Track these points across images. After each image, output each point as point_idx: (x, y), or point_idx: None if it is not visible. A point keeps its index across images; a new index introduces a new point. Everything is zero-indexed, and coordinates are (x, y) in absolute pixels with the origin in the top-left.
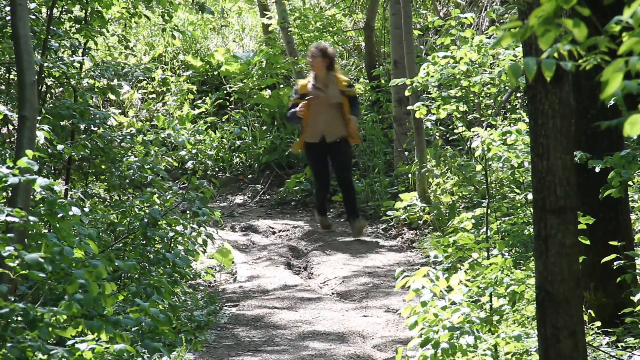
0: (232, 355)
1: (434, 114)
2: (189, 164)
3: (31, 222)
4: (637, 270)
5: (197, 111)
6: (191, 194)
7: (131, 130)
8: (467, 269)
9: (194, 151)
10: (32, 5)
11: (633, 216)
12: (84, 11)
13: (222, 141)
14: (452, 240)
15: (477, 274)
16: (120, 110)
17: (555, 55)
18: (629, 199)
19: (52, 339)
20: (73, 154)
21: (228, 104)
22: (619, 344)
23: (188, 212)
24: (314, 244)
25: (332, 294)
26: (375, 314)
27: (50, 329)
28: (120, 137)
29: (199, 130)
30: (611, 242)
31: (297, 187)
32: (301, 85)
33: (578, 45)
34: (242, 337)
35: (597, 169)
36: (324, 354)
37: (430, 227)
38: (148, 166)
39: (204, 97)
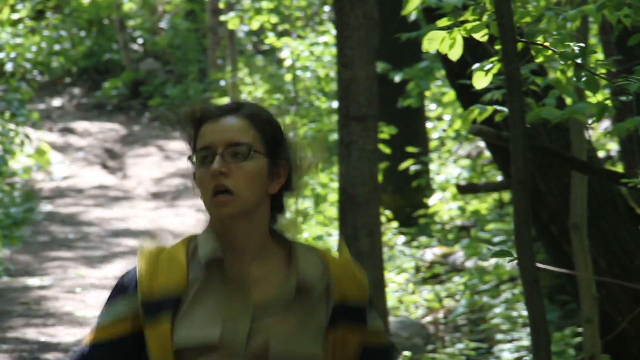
0: (47, 250)
1: (246, 25)
2: (8, 67)
3: None
4: (431, 175)
5: (16, 16)
6: (10, 95)
7: None
8: None
9: (13, 54)
10: None
11: (429, 125)
12: None
13: (41, 45)
14: None
15: None
16: None
17: None
18: (425, 109)
19: None
20: None
21: (47, 9)
22: (413, 243)
23: (6, 112)
24: (129, 146)
25: (146, 194)
26: (186, 213)
27: None
28: None
29: (18, 33)
30: (409, 149)
31: (114, 92)
32: (146, 284)
33: None
34: (57, 233)
35: (397, 80)
36: (135, 251)
37: None
38: None
39: (23, 2)
